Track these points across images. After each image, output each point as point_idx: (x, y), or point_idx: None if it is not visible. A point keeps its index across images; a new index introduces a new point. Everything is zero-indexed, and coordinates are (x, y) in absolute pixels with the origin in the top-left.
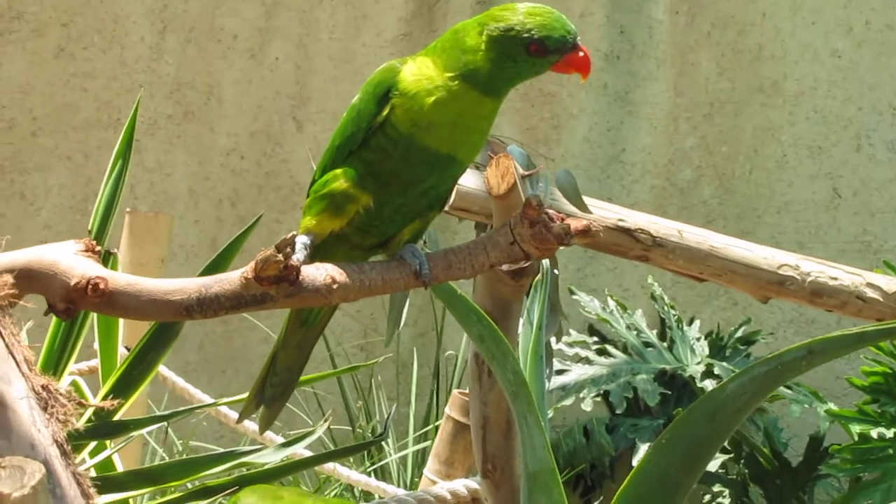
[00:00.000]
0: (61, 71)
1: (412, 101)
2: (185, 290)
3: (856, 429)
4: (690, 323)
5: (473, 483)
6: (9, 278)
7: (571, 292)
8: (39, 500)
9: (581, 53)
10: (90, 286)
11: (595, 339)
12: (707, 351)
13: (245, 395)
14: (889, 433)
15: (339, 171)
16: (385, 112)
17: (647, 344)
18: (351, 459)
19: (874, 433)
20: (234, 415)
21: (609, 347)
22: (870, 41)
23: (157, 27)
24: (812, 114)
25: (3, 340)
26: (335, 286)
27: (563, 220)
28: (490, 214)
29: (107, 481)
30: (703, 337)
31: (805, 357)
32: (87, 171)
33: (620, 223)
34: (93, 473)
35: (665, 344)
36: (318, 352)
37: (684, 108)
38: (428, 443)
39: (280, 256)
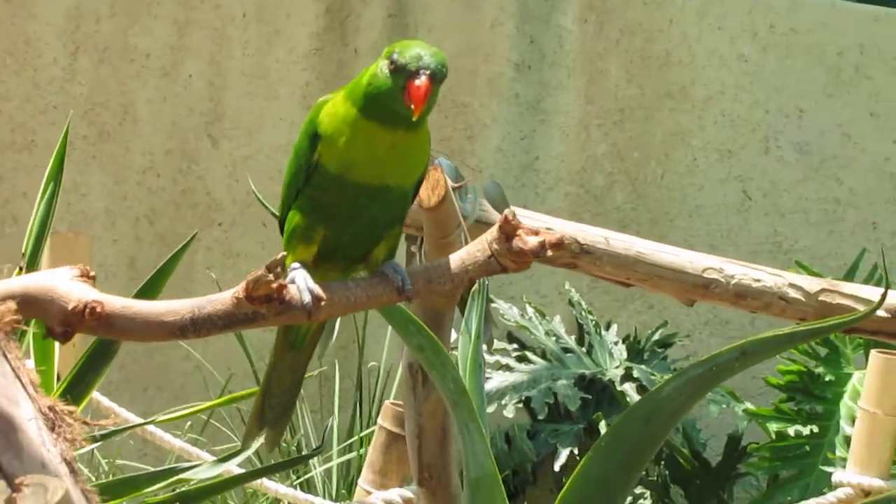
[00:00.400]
0: None
1: (330, 142)
2: (178, 312)
3: (773, 427)
4: (608, 327)
5: (408, 492)
6: (12, 304)
7: (490, 300)
8: None
9: (417, 82)
10: (87, 310)
11: (515, 346)
12: (625, 355)
13: (169, 411)
14: (805, 430)
15: (296, 207)
16: (315, 155)
17: (566, 349)
18: (277, 474)
19: (791, 431)
20: (160, 432)
21: (529, 354)
22: (774, 45)
23: (69, 48)
24: (720, 118)
25: (10, 364)
26: (322, 303)
27: (537, 234)
28: (420, 227)
29: None
30: (620, 341)
31: (738, 358)
32: (3, 193)
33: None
34: None
35: (584, 349)
36: (241, 367)
37: (595, 116)
38: (353, 454)
39: (271, 276)
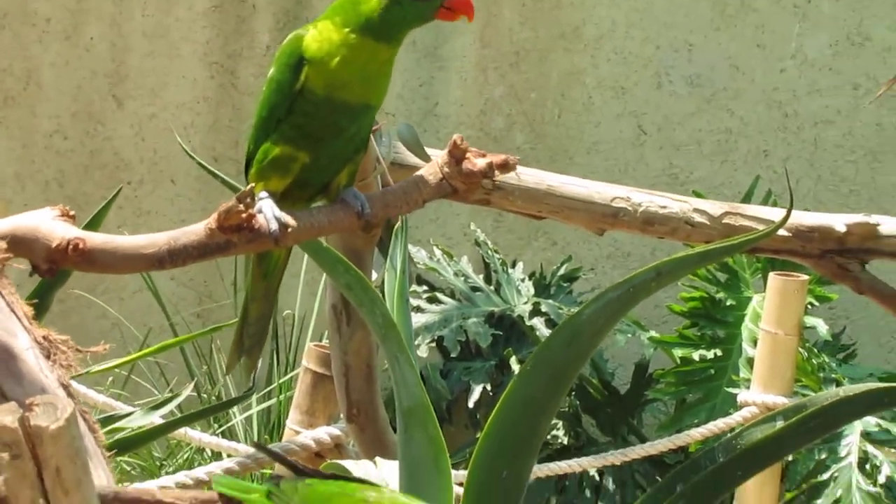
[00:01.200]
0: None
1: (321, 65)
2: (156, 244)
3: (678, 353)
4: (514, 265)
5: (335, 430)
6: (2, 244)
7: None
8: (72, 430)
9: None
10: (70, 246)
11: (424, 287)
12: (532, 291)
13: (90, 367)
14: (709, 355)
15: (274, 139)
16: (300, 81)
17: (475, 288)
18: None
19: (695, 356)
20: (83, 389)
21: (439, 295)
22: None
23: None
24: (613, 55)
25: (4, 299)
26: (289, 230)
27: (484, 156)
28: None
29: None
30: (527, 278)
31: (654, 278)
32: None
33: None
34: None
35: (492, 287)
36: (157, 321)
37: (491, 59)
38: (273, 401)
39: (241, 207)
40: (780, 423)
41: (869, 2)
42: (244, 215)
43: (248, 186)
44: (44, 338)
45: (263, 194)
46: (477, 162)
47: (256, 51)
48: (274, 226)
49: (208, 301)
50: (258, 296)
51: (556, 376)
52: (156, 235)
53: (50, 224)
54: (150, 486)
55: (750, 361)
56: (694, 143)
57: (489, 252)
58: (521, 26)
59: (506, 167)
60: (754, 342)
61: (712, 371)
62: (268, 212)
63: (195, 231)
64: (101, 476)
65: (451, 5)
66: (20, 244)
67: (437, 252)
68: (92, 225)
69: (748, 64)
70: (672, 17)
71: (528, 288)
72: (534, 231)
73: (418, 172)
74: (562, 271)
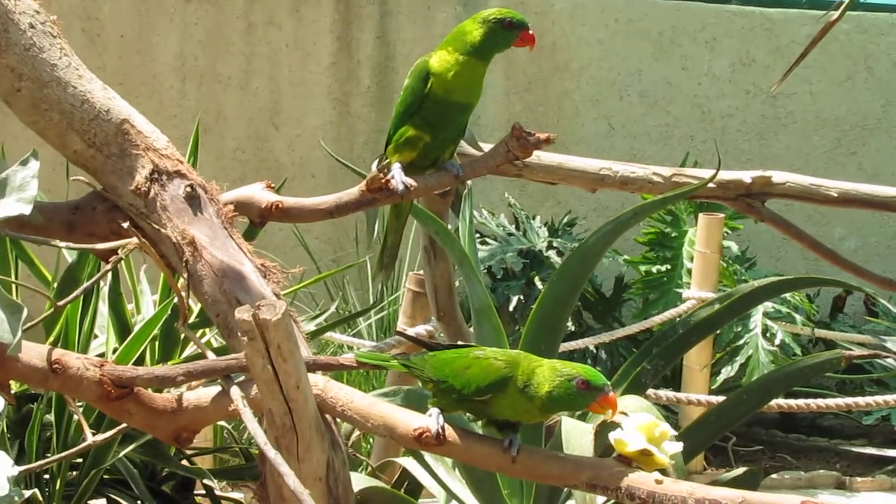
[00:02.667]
0: None
1: (441, 77)
2: (328, 202)
3: (643, 268)
4: (534, 218)
5: (429, 326)
6: (231, 207)
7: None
8: (286, 320)
9: (531, 32)
10: (274, 206)
11: (478, 235)
12: (547, 234)
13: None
14: (663, 268)
15: (408, 126)
16: (427, 87)
17: (510, 234)
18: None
19: (654, 269)
20: None
21: (487, 240)
22: (619, 31)
23: None
24: (590, 80)
25: (235, 241)
26: (412, 188)
27: (534, 134)
28: None
29: None
30: (543, 226)
31: (633, 216)
32: None
33: None
34: None
35: (521, 233)
36: (308, 265)
37: (512, 87)
38: (385, 313)
39: (381, 175)
40: (717, 306)
41: (753, 37)
42: (383, 181)
43: (386, 161)
44: (262, 264)
45: (396, 165)
46: (530, 138)
47: (362, 90)
48: (401, 187)
49: (340, 251)
50: (392, 230)
51: (573, 283)
52: (327, 197)
53: (260, 193)
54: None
55: (689, 272)
56: (645, 134)
57: (517, 210)
58: (530, 64)
59: (548, 141)
60: (691, 259)
61: (665, 279)
62: (398, 177)
63: (352, 192)
64: (304, 350)
65: (524, 37)
66: (241, 206)
67: (485, 212)
68: None
69: (677, 81)
70: (627, 54)
71: (544, 232)
72: (546, 195)
73: (492, 147)
74: (565, 220)
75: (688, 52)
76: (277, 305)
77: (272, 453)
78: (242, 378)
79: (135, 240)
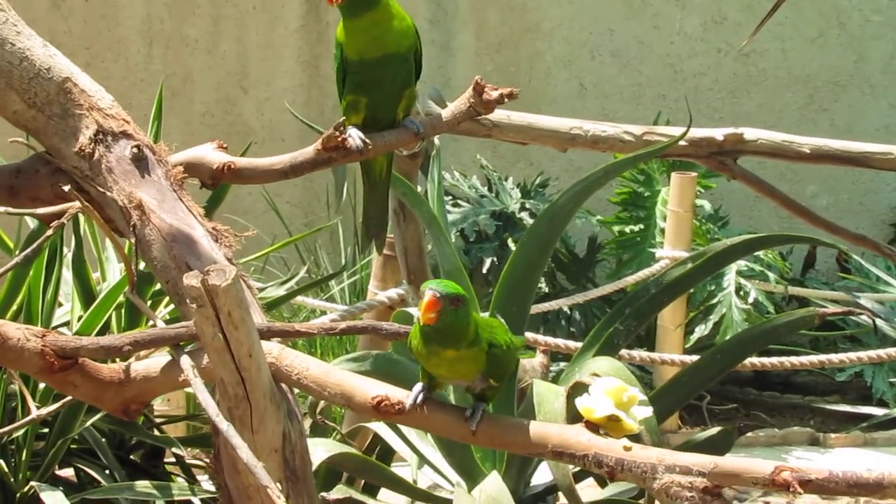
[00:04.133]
0: None
1: (344, 42)
2: (282, 162)
3: (616, 228)
4: (506, 179)
5: (400, 290)
6: (180, 168)
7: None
8: (237, 286)
9: None
10: (225, 167)
11: (450, 197)
12: (519, 195)
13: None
14: (636, 228)
15: (346, 92)
16: (342, 54)
17: (482, 196)
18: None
19: (627, 230)
20: None
21: (459, 202)
22: None
23: None
24: (562, 40)
25: (185, 204)
26: (369, 146)
27: (496, 89)
28: None
29: None
30: (515, 187)
31: (604, 175)
32: None
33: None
34: None
35: (493, 194)
36: (279, 230)
37: (483, 48)
38: (356, 277)
39: (337, 133)
40: (689, 265)
41: None
42: (339, 139)
43: (341, 119)
44: (213, 228)
45: (351, 127)
46: (492, 94)
47: (331, 52)
48: (359, 143)
49: (311, 215)
50: (372, 197)
51: (543, 243)
52: (281, 157)
53: (211, 153)
54: None
55: (662, 231)
56: (617, 93)
57: (490, 171)
58: (501, 25)
59: (511, 96)
60: (664, 218)
61: (638, 239)
62: (355, 135)
63: (307, 152)
64: (257, 317)
65: None
66: (192, 167)
67: (457, 174)
68: None
69: (649, 40)
70: (598, 13)
71: (516, 193)
72: (518, 156)
73: (454, 103)
74: (537, 181)
75: (659, 11)
76: (227, 270)
77: (224, 425)
78: (193, 347)
79: (78, 203)
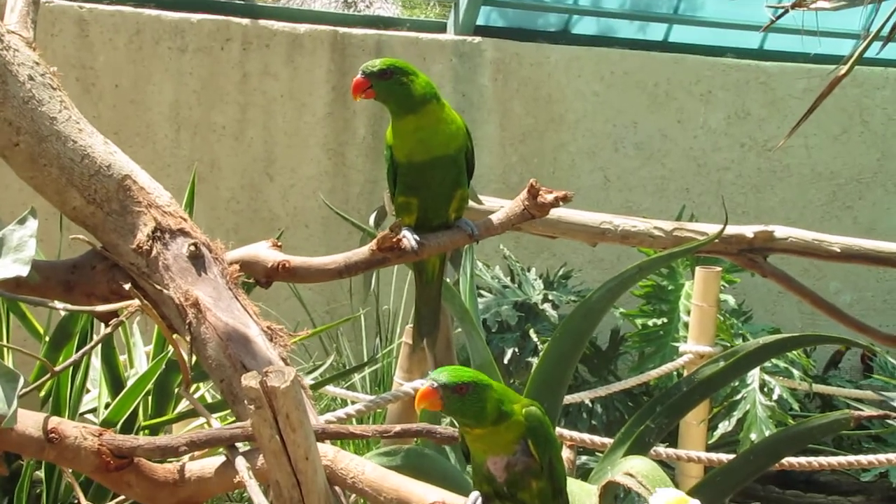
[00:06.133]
0: None
1: (394, 144)
2: (336, 261)
3: (639, 321)
4: (529, 270)
5: (427, 381)
6: (236, 266)
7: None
8: (295, 388)
9: (355, 78)
10: (280, 266)
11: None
12: (542, 286)
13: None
14: (659, 322)
15: (397, 193)
16: (391, 155)
17: (505, 286)
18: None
19: (650, 323)
20: None
21: (482, 292)
22: (614, 83)
23: (173, 127)
24: (586, 132)
25: (239, 302)
26: (423, 247)
27: (551, 192)
28: None
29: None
30: (538, 278)
31: (637, 272)
32: None
33: (501, 208)
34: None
35: (516, 285)
36: (301, 317)
37: (507, 138)
38: (379, 365)
39: (392, 234)
40: (720, 364)
41: (748, 90)
42: (394, 240)
43: (397, 220)
44: (268, 327)
45: (406, 228)
46: (547, 196)
47: (357, 140)
48: (413, 243)
49: (334, 302)
50: (424, 296)
51: (576, 339)
52: (336, 256)
53: (266, 251)
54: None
55: (685, 325)
56: (641, 186)
57: (513, 262)
58: (525, 116)
59: (565, 199)
60: (688, 312)
61: (661, 332)
62: (409, 236)
63: (362, 252)
64: (313, 419)
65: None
66: (247, 265)
67: (480, 264)
68: None
69: (673, 133)
70: (622, 106)
71: (539, 284)
72: (541, 247)
73: (508, 205)
74: (560, 273)
75: (683, 105)
76: (286, 372)
77: None
78: (248, 447)
79: (136, 301)
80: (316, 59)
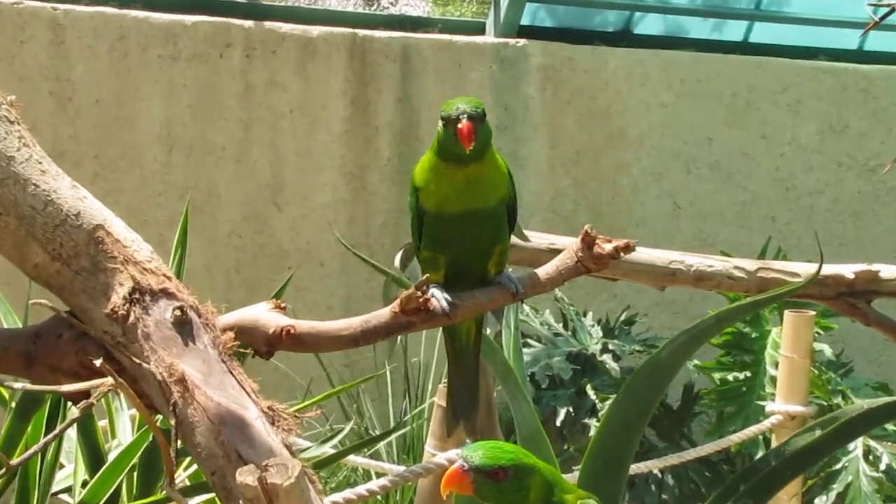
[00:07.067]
0: None
1: (424, 190)
2: (352, 326)
3: (717, 376)
4: (585, 314)
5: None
6: (231, 334)
7: None
8: (301, 485)
9: (459, 125)
10: (284, 332)
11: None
12: (601, 333)
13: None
14: (741, 376)
15: (422, 246)
16: (418, 202)
17: (557, 334)
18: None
19: (730, 377)
20: None
21: (529, 341)
22: (685, 92)
23: (164, 147)
24: (651, 150)
25: (235, 378)
26: (458, 308)
27: (610, 241)
28: None
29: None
30: (596, 324)
31: (716, 324)
32: None
33: (552, 246)
34: None
35: (569, 332)
36: (315, 371)
37: (558, 158)
38: (407, 429)
39: (419, 293)
40: (817, 433)
41: (845, 98)
42: (421, 300)
43: (424, 277)
44: (269, 408)
45: (433, 284)
46: (605, 246)
47: (380, 162)
48: (445, 304)
49: (354, 354)
50: (458, 370)
51: (641, 403)
52: (351, 320)
53: (266, 315)
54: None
55: (773, 380)
56: (717, 213)
57: (566, 305)
58: (579, 131)
59: (627, 249)
60: (775, 365)
61: (744, 389)
62: (439, 295)
63: (382, 314)
64: None
65: (454, 132)
66: (244, 332)
67: (526, 309)
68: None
69: (755, 151)
70: (694, 119)
71: (597, 331)
72: (599, 287)
73: (558, 257)
74: (622, 318)
75: (767, 117)
76: (290, 465)
77: None
78: None
79: (110, 380)
80: (331, 68)
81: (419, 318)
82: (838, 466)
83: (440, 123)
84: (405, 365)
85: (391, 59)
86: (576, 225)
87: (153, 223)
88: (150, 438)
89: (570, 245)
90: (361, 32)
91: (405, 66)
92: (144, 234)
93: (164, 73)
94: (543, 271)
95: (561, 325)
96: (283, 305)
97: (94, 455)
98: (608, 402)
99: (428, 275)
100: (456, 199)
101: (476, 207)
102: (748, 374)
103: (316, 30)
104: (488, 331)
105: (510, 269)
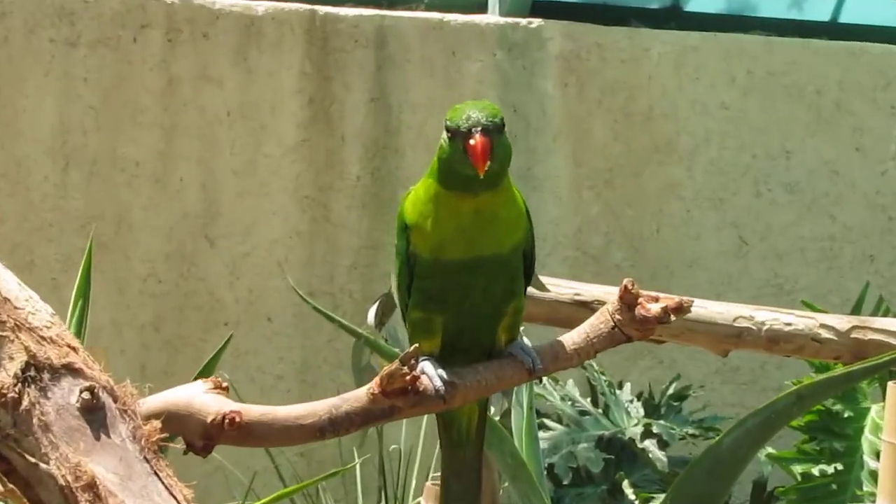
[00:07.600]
0: None
1: (418, 227)
2: (316, 413)
3: (797, 469)
4: (621, 386)
5: None
6: (157, 423)
7: None
8: None
9: (472, 141)
10: (227, 421)
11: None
12: (642, 411)
13: None
14: (830, 469)
15: (410, 305)
16: (409, 245)
17: (583, 412)
18: None
19: (815, 471)
20: None
21: (547, 421)
22: (754, 89)
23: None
24: (709, 166)
25: (163, 482)
26: (456, 388)
27: (656, 300)
28: None
29: None
30: (635, 398)
31: (796, 403)
32: None
33: (577, 297)
34: None
35: (600, 410)
36: (261, 463)
37: (585, 177)
38: None
39: (405, 369)
40: None
41: None
42: (408, 377)
43: (413, 347)
44: None
45: (423, 357)
46: (651, 307)
47: (347, 182)
48: (439, 383)
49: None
50: (454, 466)
51: None
52: (315, 404)
53: (203, 397)
54: None
55: (873, 474)
56: (797, 251)
57: (595, 374)
58: (613, 142)
59: (680, 310)
60: (876, 454)
61: (834, 486)
62: (430, 371)
63: (356, 397)
64: None
65: (465, 148)
66: (172, 420)
67: (544, 379)
68: (202, 375)
69: (847, 168)
70: (767, 124)
71: (637, 409)
72: (639, 350)
73: (589, 320)
74: (671, 390)
75: (863, 123)
76: None
77: None
78: None
79: None
80: (283, 57)
81: (405, 402)
82: None
83: (444, 137)
84: (380, 454)
85: (362, 45)
86: (607, 266)
87: (42, 265)
88: None
89: (604, 307)
90: (322, 9)
91: (381, 55)
92: (31, 279)
93: (59, 63)
94: (570, 339)
95: (589, 400)
96: (224, 385)
97: None
98: None
99: (417, 344)
100: (461, 242)
101: (486, 254)
102: (839, 466)
103: (262, 5)
104: (492, 410)
105: (524, 338)
